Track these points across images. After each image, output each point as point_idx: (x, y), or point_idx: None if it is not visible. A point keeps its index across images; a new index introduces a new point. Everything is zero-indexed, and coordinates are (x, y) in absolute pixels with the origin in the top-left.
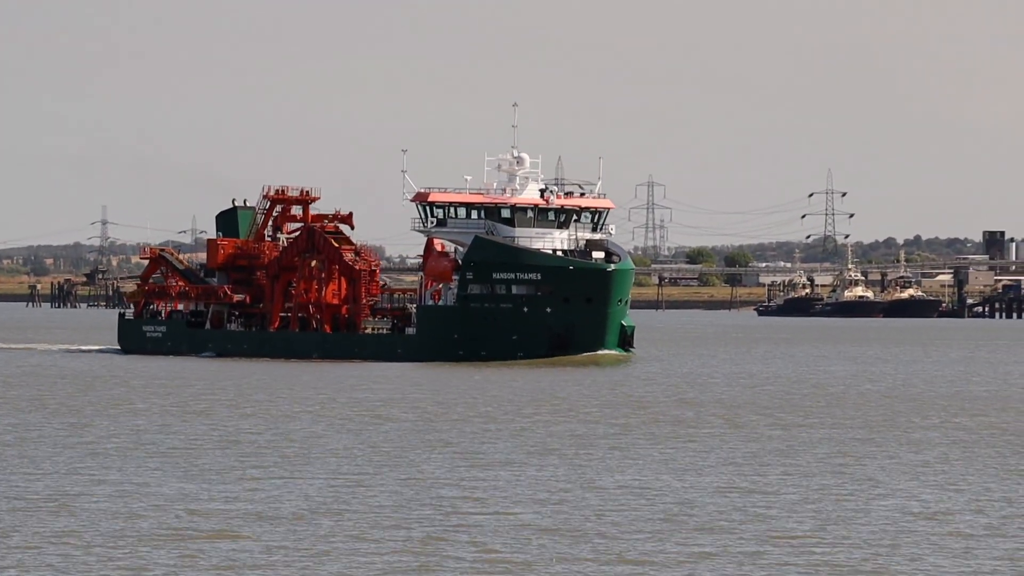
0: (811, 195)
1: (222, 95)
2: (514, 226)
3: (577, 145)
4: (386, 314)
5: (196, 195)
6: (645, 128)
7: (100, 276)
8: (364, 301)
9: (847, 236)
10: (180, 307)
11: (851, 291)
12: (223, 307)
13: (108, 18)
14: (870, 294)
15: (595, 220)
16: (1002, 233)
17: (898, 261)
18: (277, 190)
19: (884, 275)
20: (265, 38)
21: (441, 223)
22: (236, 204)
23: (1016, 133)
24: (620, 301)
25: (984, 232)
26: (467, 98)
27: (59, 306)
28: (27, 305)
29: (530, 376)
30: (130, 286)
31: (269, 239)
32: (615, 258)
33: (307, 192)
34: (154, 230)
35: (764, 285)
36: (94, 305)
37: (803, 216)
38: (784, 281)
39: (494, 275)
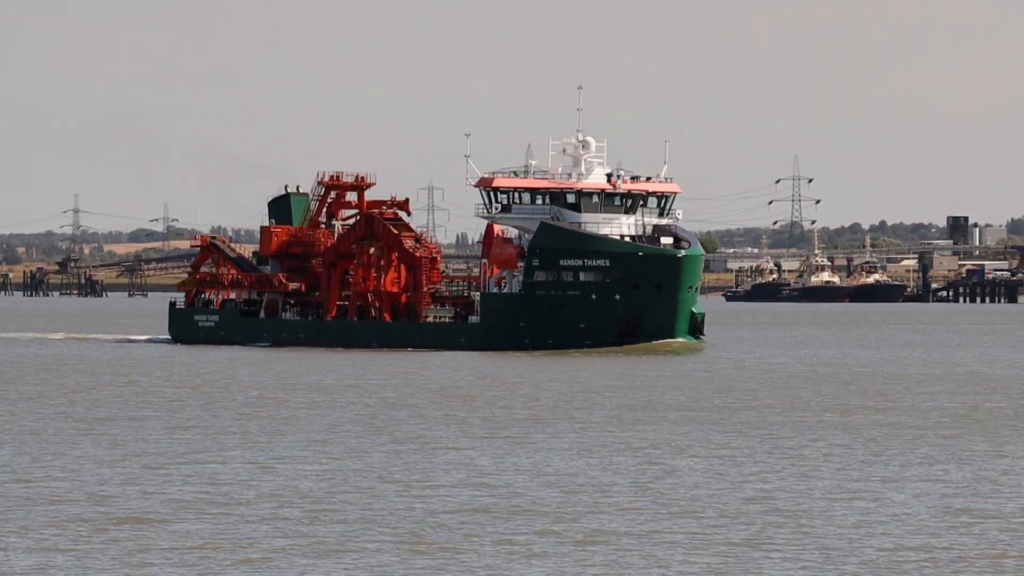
0: (778, 181)
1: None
2: (580, 211)
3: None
4: (447, 302)
5: (175, 181)
6: (612, 115)
7: (72, 264)
8: (425, 289)
9: (813, 222)
10: (232, 296)
11: (818, 276)
12: (278, 295)
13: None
14: (836, 279)
15: (661, 205)
16: (966, 219)
17: (864, 246)
18: (332, 176)
19: (850, 260)
20: (321, 21)
21: (505, 209)
22: (289, 190)
23: (980, 120)
24: (691, 287)
25: (948, 218)
26: (529, 82)
27: (31, 295)
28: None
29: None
30: (103, 274)
31: (323, 226)
32: (684, 243)
33: (362, 178)
34: (125, 218)
35: (732, 271)
36: (67, 293)
37: (770, 202)
38: (752, 267)
39: (561, 261)
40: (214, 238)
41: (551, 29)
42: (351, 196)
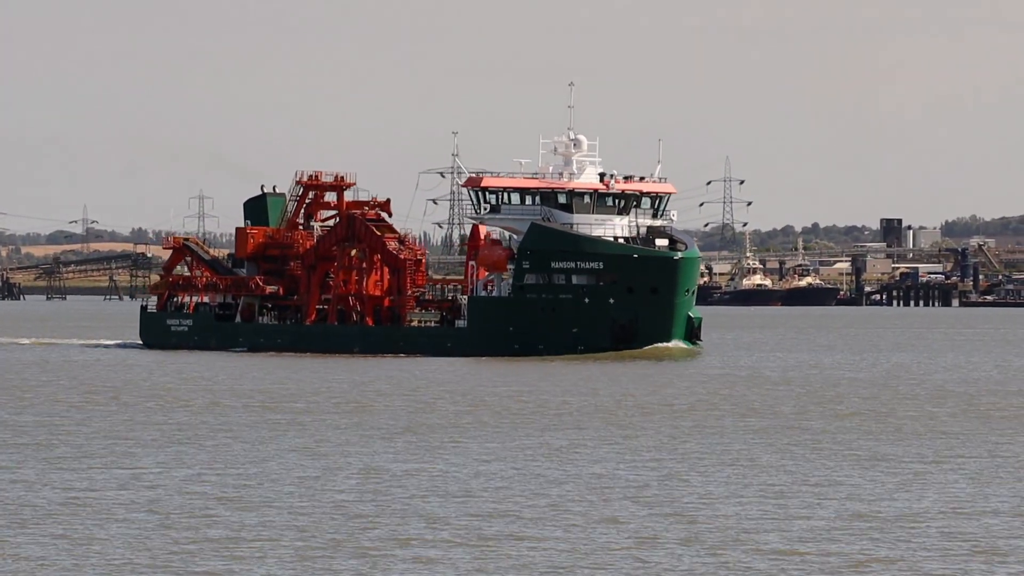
0: (709, 183)
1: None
2: (572, 212)
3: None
4: (432, 306)
5: (94, 182)
6: (544, 117)
7: None
8: (409, 292)
9: (745, 224)
10: (206, 299)
11: (749, 279)
12: (254, 299)
13: None
14: (768, 282)
15: (655, 206)
16: (899, 221)
17: (796, 249)
18: (310, 176)
19: (782, 263)
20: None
21: (494, 209)
22: (265, 191)
23: (913, 121)
24: (687, 291)
25: (881, 220)
26: (520, 78)
27: None
28: None
29: None
30: (20, 276)
31: (301, 227)
32: (680, 245)
33: (342, 178)
34: (43, 220)
35: None
36: None
37: (701, 204)
38: None
39: (552, 264)
40: (187, 240)
41: (540, 23)
42: (330, 196)
